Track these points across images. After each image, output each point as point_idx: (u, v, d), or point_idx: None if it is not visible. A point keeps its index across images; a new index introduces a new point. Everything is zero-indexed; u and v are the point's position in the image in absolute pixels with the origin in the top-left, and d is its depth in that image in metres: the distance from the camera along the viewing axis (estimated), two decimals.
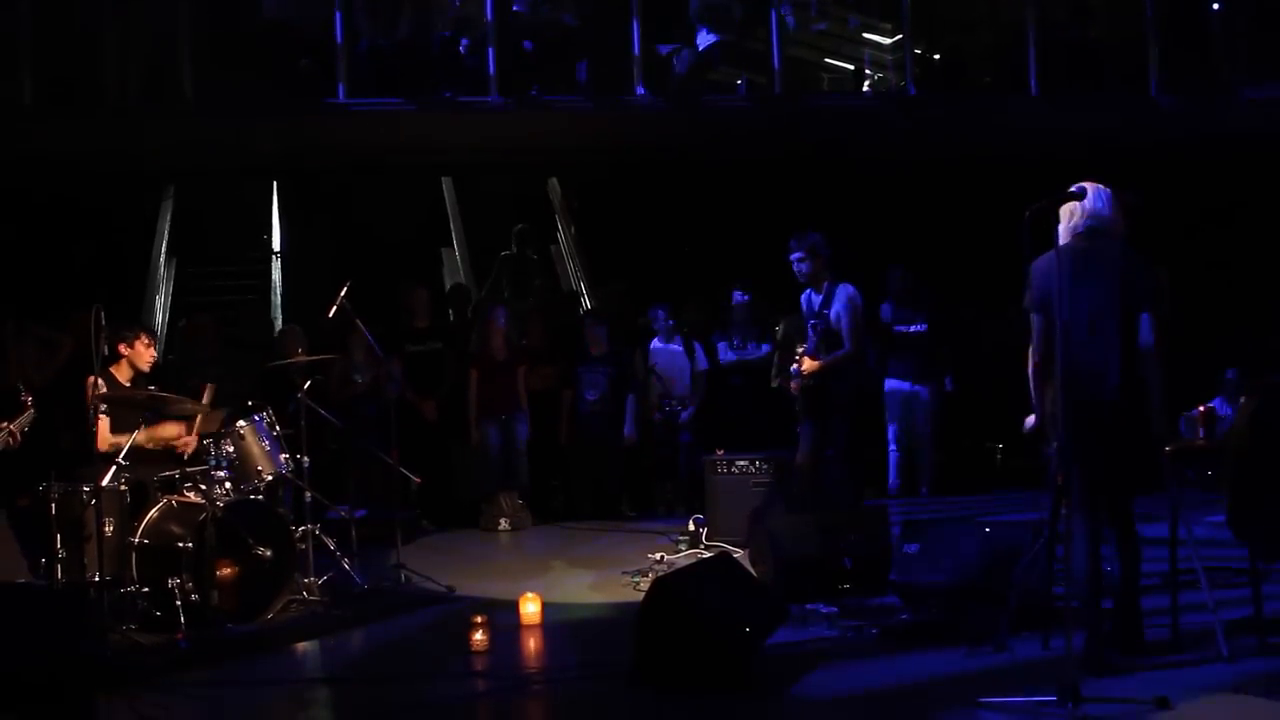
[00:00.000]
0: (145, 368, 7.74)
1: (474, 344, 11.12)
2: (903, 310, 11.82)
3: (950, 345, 12.04)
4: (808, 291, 8.24)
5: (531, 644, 6.68)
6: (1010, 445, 12.45)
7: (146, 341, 7.77)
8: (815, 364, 8.02)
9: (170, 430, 7.63)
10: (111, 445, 7.20)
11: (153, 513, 7.04)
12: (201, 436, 7.57)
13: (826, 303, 8.08)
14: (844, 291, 8.07)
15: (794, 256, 8.12)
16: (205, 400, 7.62)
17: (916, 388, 11.89)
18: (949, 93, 13.46)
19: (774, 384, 10.35)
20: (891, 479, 11.99)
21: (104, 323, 6.60)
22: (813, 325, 8.14)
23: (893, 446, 11.99)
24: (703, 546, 8.90)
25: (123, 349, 7.62)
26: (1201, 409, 6.06)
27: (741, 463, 9.37)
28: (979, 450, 12.66)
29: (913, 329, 11.81)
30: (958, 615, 6.26)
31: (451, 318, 12.46)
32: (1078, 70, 13.38)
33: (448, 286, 13.63)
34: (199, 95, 12.07)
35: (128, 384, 7.62)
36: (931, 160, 13.85)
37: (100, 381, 7.09)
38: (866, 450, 11.93)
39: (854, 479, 8.59)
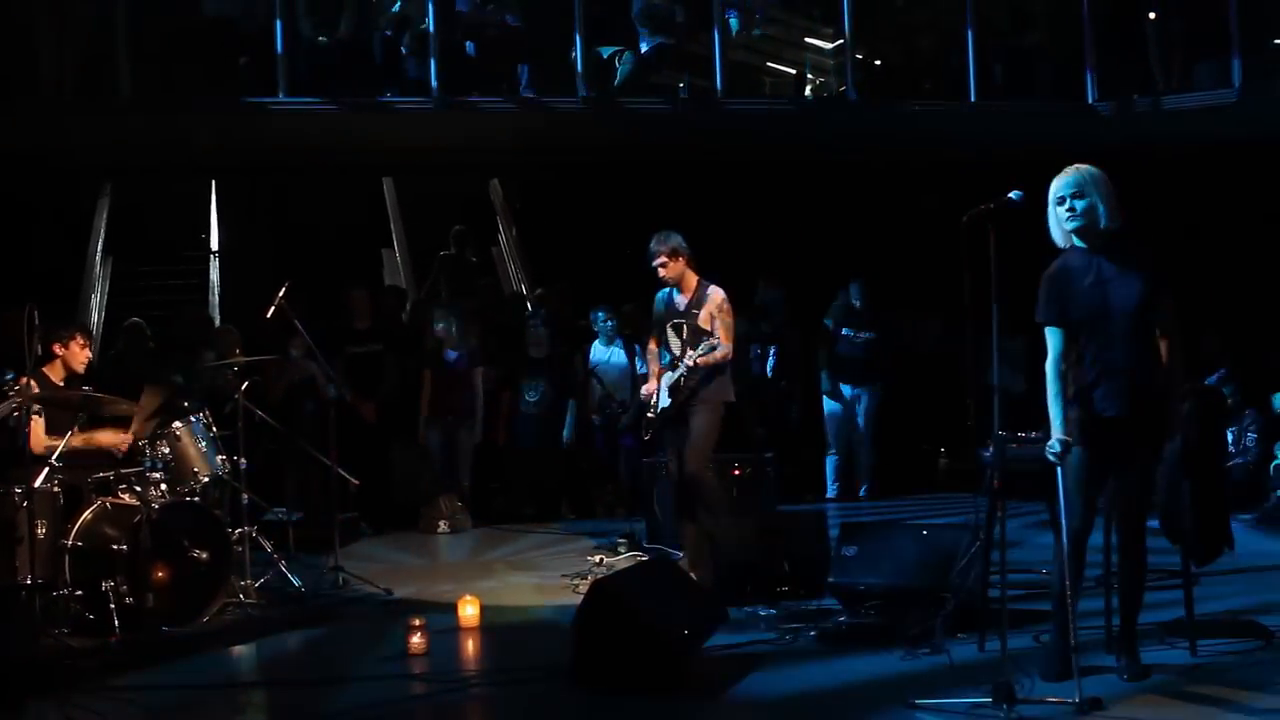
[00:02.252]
0: (79, 369, 7.64)
1: (429, 345, 11.09)
2: (853, 319, 11.94)
3: (891, 350, 12.17)
4: (667, 291, 8.05)
5: (470, 646, 6.67)
6: (950, 449, 12.56)
7: (82, 342, 7.66)
8: (696, 360, 7.68)
9: (106, 437, 7.52)
10: (45, 447, 7.10)
11: (86, 514, 6.95)
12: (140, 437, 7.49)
13: (696, 303, 7.89)
14: (717, 293, 7.87)
15: (657, 262, 7.89)
16: (146, 402, 7.51)
17: (857, 391, 12.01)
18: (889, 98, 13.53)
19: None
20: (830, 482, 12.08)
21: (37, 322, 6.51)
22: (674, 325, 7.97)
23: (832, 449, 12.08)
24: (642, 550, 8.91)
25: (57, 349, 7.52)
26: None
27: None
28: (918, 453, 12.77)
29: (860, 337, 11.94)
30: (895, 617, 6.30)
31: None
32: (1017, 77, 13.52)
33: (386, 287, 13.56)
34: (137, 91, 11.92)
35: (61, 384, 7.52)
36: (871, 165, 13.95)
37: (32, 382, 7.00)
38: (802, 452, 12.04)
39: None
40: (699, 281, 7.95)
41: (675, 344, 7.94)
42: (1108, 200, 5.41)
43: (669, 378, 7.87)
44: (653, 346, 8.26)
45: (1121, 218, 5.41)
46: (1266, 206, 13.24)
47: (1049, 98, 13.50)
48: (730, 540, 7.46)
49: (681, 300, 7.96)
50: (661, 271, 7.92)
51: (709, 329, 7.78)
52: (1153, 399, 5.34)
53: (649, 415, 8.06)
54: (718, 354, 7.74)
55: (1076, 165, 5.52)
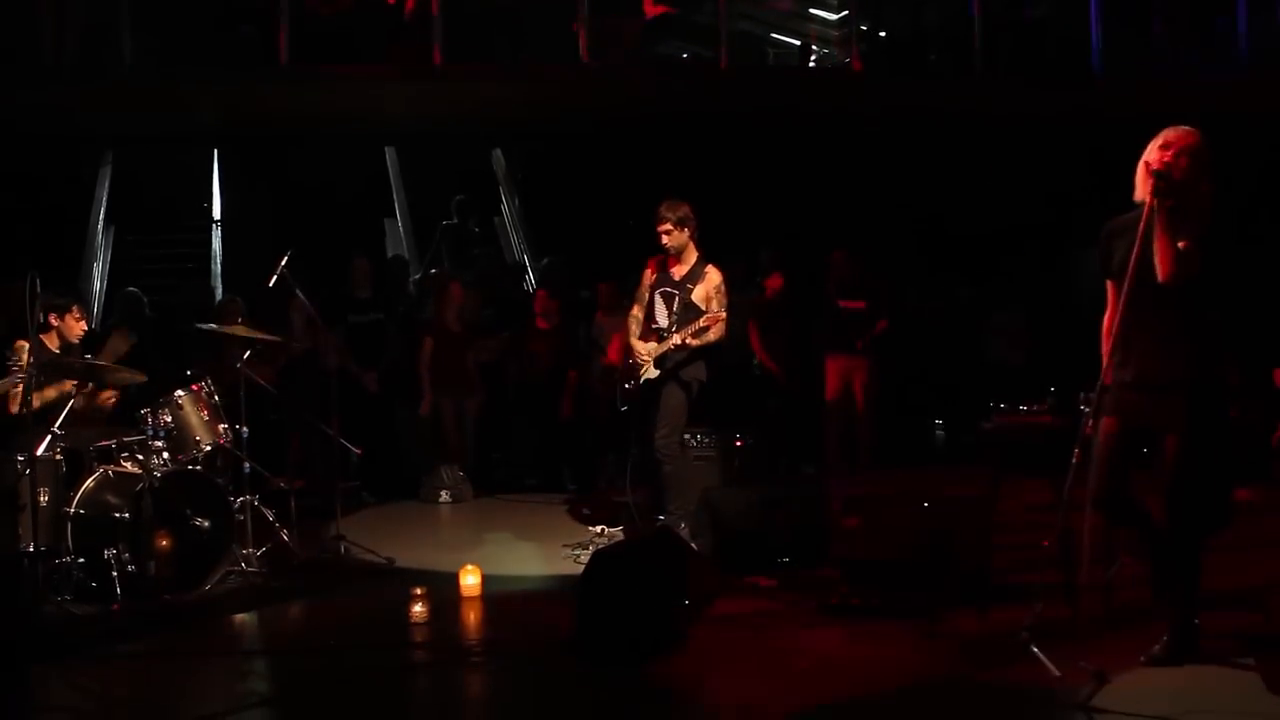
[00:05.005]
0: (74, 340, 7.67)
1: (429, 313, 11.08)
2: (850, 289, 11.91)
3: (891, 321, 12.15)
4: (663, 258, 8.04)
5: (471, 616, 6.67)
6: (951, 421, 12.56)
7: (77, 315, 7.70)
8: (684, 339, 7.75)
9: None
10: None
11: (89, 482, 6.97)
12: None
13: (691, 277, 7.89)
14: (715, 274, 7.88)
15: (662, 228, 7.88)
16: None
17: (856, 358, 11.99)
18: (894, 69, 13.48)
19: None
20: (831, 454, 12.05)
21: (39, 291, 6.50)
22: (664, 294, 7.96)
23: (832, 420, 12.03)
24: (643, 520, 8.90)
25: (54, 320, 7.54)
26: None
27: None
28: (919, 425, 12.75)
29: (859, 307, 11.91)
30: (896, 589, 6.31)
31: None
32: (1022, 48, 13.46)
33: (389, 257, 13.55)
34: (138, 59, 11.88)
35: (56, 353, 7.52)
36: (876, 136, 13.90)
37: (27, 346, 6.99)
38: (801, 425, 12.02)
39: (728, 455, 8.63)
40: (699, 257, 7.95)
41: (662, 313, 7.93)
42: (1191, 169, 5.26)
43: (651, 347, 7.87)
44: (636, 312, 8.23)
45: (1205, 196, 5.21)
46: (1272, 179, 13.20)
47: (1054, 69, 13.44)
48: (730, 511, 7.46)
49: (677, 270, 7.95)
50: (665, 239, 7.92)
51: (702, 307, 7.77)
52: (1175, 375, 5.11)
53: (627, 386, 8.07)
54: (711, 334, 7.76)
55: (1181, 127, 5.44)
